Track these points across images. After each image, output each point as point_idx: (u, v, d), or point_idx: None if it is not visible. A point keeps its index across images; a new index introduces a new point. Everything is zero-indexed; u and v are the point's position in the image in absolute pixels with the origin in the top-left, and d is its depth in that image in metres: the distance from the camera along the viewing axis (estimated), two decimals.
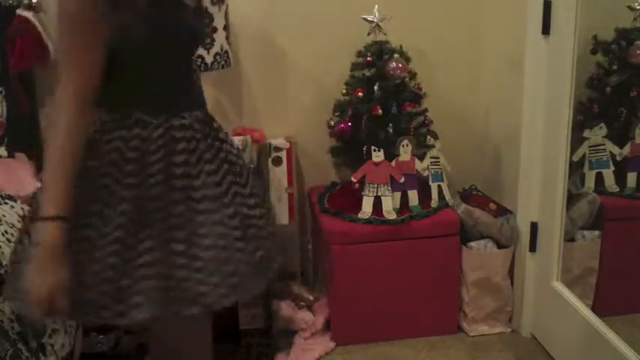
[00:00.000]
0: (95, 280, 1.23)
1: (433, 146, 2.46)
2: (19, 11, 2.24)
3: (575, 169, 2.40)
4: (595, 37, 2.39)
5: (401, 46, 2.38)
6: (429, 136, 2.46)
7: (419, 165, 2.40)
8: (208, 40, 2.21)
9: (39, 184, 2.10)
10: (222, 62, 2.27)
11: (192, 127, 1.32)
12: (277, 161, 2.45)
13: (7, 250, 1.48)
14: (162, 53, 1.27)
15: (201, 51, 2.20)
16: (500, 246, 2.40)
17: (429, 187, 2.45)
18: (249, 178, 1.44)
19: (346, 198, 2.48)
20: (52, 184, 1.17)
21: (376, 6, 2.37)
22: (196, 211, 1.29)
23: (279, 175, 2.46)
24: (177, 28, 1.30)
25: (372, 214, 2.33)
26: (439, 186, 2.46)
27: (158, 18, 1.23)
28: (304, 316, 2.44)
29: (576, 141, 2.32)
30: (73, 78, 1.18)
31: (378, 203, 2.34)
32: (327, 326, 2.46)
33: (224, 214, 1.32)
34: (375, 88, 2.33)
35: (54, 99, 1.19)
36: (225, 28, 2.28)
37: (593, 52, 2.40)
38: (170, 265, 1.26)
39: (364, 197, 2.35)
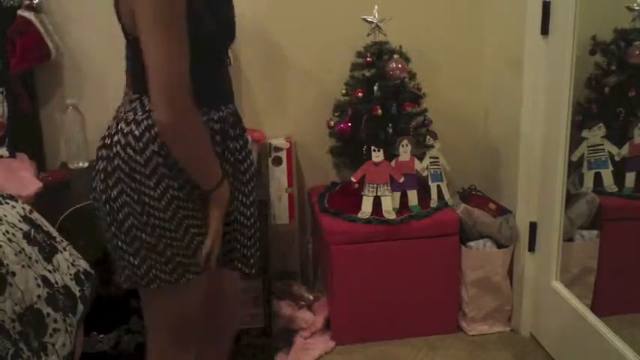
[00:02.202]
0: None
1: (432, 146, 2.47)
2: (20, 12, 2.25)
3: (574, 169, 2.41)
4: (594, 37, 2.39)
5: (400, 47, 2.38)
6: (428, 136, 2.46)
7: (418, 165, 2.40)
8: None
9: (40, 184, 2.12)
10: None
11: (227, 120, 1.43)
12: (277, 161, 2.46)
13: (9, 250, 1.48)
14: (215, 47, 1.37)
15: None
16: (499, 246, 2.41)
17: (428, 187, 2.45)
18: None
19: (346, 198, 2.49)
20: (210, 163, 1.35)
21: (376, 6, 2.37)
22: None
23: (279, 175, 2.47)
24: (230, 23, 1.40)
25: (372, 214, 2.34)
26: (438, 186, 2.47)
27: (221, 13, 1.35)
28: (304, 315, 2.45)
29: (575, 141, 2.32)
30: (177, 72, 1.21)
31: (377, 203, 2.35)
32: (327, 326, 2.47)
33: None
34: (375, 88, 2.33)
35: (159, 100, 1.23)
36: None
37: (592, 52, 2.41)
38: None
39: (364, 197, 2.35)
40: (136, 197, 1.36)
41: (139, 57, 1.24)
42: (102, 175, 1.40)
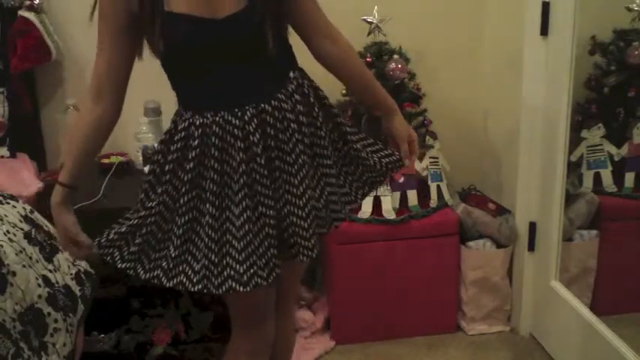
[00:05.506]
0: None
1: (432, 146, 2.47)
2: (20, 12, 2.25)
3: (574, 169, 2.41)
4: (593, 37, 2.40)
5: (400, 47, 2.38)
6: (428, 137, 2.47)
7: (418, 165, 2.41)
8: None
9: (41, 184, 2.13)
10: None
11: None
12: None
13: (9, 250, 1.49)
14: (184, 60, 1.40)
15: None
16: (499, 246, 2.41)
17: (428, 187, 2.46)
18: None
19: None
20: (65, 160, 1.45)
21: (376, 7, 2.38)
22: None
23: None
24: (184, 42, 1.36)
25: (372, 213, 2.34)
26: (438, 186, 2.47)
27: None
28: (304, 315, 2.45)
29: (574, 141, 2.33)
30: (96, 64, 1.38)
31: (377, 203, 2.35)
32: (327, 325, 2.48)
33: None
34: None
35: None
36: None
37: (592, 52, 2.41)
38: None
39: None
40: None
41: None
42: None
